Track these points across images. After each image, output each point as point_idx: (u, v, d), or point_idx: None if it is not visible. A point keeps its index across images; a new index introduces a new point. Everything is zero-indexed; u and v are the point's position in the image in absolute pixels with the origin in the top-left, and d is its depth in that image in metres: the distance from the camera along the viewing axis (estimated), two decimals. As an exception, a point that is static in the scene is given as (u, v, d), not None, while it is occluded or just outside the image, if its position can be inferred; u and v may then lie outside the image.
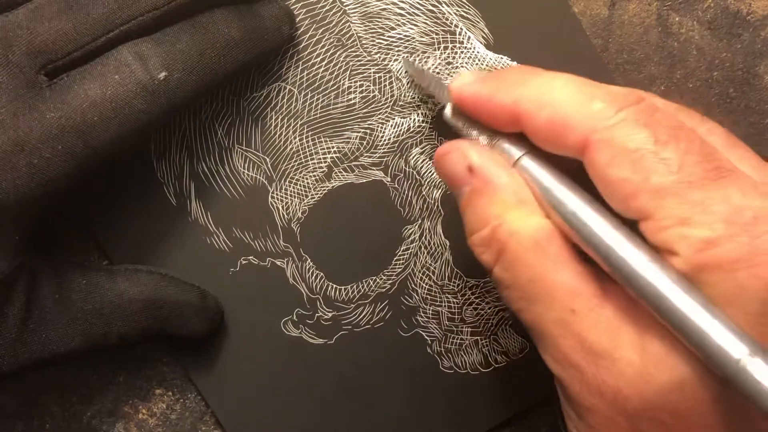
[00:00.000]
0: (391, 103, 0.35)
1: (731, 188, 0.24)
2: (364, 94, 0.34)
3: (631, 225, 0.25)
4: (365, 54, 0.34)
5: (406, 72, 0.34)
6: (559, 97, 0.26)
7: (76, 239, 0.34)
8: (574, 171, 0.27)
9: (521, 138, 0.28)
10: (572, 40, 0.35)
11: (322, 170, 0.35)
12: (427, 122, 0.35)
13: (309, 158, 0.34)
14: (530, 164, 0.28)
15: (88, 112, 0.28)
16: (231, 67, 0.30)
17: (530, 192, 0.27)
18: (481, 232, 0.28)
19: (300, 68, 0.34)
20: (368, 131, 0.35)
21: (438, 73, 0.34)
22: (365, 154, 0.35)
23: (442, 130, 0.35)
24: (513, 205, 0.27)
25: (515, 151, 0.28)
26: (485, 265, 0.28)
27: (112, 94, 0.28)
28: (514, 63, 0.34)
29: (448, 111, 0.30)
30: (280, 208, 0.35)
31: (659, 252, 0.24)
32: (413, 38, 0.34)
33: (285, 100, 0.34)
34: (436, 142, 0.35)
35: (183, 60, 0.29)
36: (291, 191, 0.34)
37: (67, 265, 0.31)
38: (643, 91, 0.27)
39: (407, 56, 0.34)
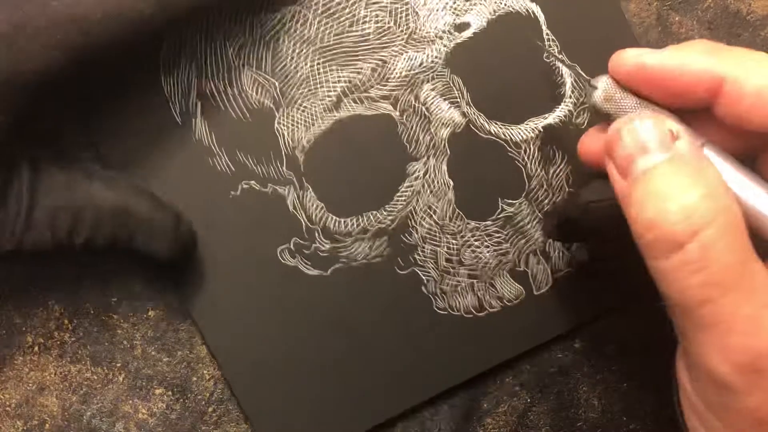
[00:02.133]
0: (406, 36, 0.34)
1: None
2: (379, 25, 0.34)
3: None
4: (383, -16, 0.34)
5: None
6: None
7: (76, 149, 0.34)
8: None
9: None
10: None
11: (330, 99, 0.34)
12: (440, 59, 0.34)
13: (318, 86, 0.34)
14: (711, 153, 0.27)
15: (93, 5, 0.27)
16: None
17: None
18: (686, 197, 0.24)
19: (317, -7, 0.34)
20: (380, 63, 0.34)
21: (452, 12, 0.34)
22: (375, 87, 0.34)
23: (454, 67, 0.34)
24: (722, 181, 0.25)
25: (694, 140, 0.27)
26: (671, 241, 0.24)
27: None
28: None
29: (599, 94, 0.29)
30: (286, 134, 0.34)
31: None
32: (433, -30, 0.34)
33: (299, 24, 0.34)
34: (447, 80, 0.34)
35: None
36: (298, 118, 0.34)
37: (49, 160, 0.31)
38: None
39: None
